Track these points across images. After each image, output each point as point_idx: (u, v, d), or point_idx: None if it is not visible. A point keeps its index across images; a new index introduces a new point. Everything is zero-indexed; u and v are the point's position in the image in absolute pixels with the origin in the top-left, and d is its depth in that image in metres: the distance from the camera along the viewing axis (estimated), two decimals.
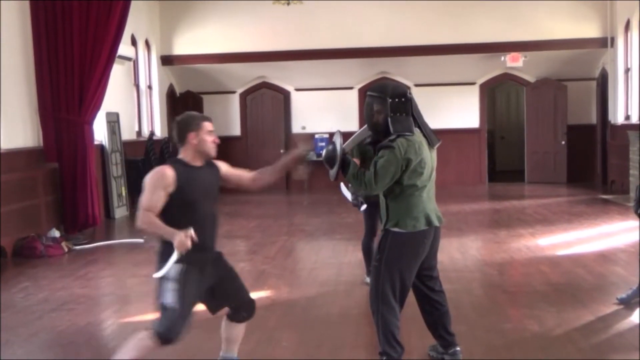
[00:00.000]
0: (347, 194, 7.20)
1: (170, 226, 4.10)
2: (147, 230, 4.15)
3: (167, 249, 4.14)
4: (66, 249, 9.74)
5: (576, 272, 7.63)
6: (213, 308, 4.55)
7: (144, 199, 4.15)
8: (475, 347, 5.21)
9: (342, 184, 7.46)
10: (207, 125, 4.33)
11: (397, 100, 4.45)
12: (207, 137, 4.30)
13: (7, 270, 8.76)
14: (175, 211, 4.17)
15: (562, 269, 7.82)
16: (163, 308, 4.16)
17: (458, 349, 4.84)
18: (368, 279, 7.17)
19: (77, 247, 9.97)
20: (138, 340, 4.20)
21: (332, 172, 4.54)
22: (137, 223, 4.15)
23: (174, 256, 4.06)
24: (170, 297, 4.13)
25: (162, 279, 4.16)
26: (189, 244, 4.00)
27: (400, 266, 4.48)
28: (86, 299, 7.20)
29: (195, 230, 4.08)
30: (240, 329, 4.62)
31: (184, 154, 4.31)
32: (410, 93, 4.55)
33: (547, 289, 7.00)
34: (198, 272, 4.23)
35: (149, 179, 4.18)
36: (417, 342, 5.16)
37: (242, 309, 4.53)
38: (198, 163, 4.31)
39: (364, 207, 7.00)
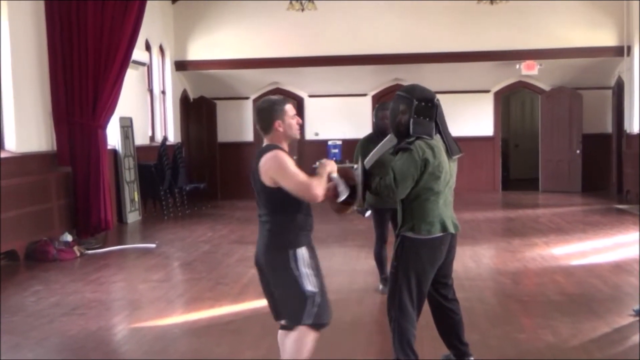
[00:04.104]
0: None
1: (283, 212, 4.09)
2: (323, 194, 4.08)
3: (287, 238, 4.12)
4: (78, 253, 9.74)
5: (591, 283, 7.55)
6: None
7: (293, 175, 3.99)
8: (488, 357, 5.15)
9: None
10: (290, 109, 4.23)
11: (422, 103, 4.44)
12: (292, 120, 4.21)
13: (19, 274, 8.79)
14: (288, 198, 4.05)
15: (576, 279, 7.73)
16: (305, 297, 4.07)
17: (472, 359, 4.78)
18: (381, 287, 7.14)
19: (89, 252, 9.98)
20: (296, 342, 4.13)
21: (358, 200, 4.54)
22: (312, 195, 3.99)
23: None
24: (309, 284, 4.07)
25: (293, 270, 4.07)
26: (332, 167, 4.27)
27: (417, 272, 4.44)
28: (97, 303, 7.19)
29: (309, 214, 4.20)
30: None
31: (275, 141, 4.18)
32: (437, 100, 4.51)
33: (561, 299, 6.93)
34: (315, 255, 4.22)
35: (278, 162, 4.02)
36: (430, 351, 5.10)
37: None
38: (286, 149, 4.24)
39: (368, 213, 6.96)
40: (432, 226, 4.42)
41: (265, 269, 4.20)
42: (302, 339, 4.13)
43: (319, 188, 4.01)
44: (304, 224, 4.18)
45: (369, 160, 4.69)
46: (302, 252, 4.12)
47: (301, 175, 4.01)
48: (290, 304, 4.14)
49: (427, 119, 4.44)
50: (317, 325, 4.14)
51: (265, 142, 4.22)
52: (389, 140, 4.71)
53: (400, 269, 4.45)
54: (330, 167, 4.27)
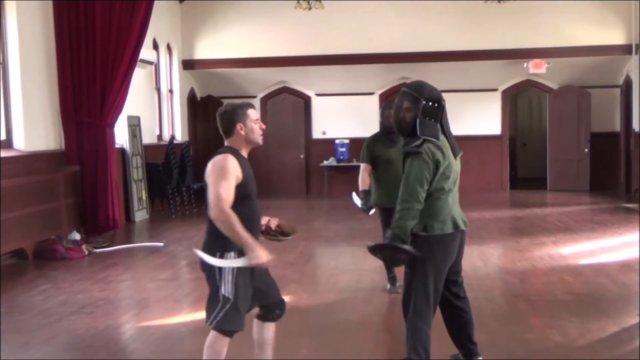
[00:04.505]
0: (357, 201, 7.15)
1: None
2: (221, 226, 3.97)
3: (218, 241, 4.07)
4: (86, 252, 9.76)
5: (599, 282, 7.52)
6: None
7: (221, 187, 3.96)
8: (496, 357, 5.12)
9: (353, 193, 7.43)
10: (253, 113, 4.25)
11: (430, 104, 4.42)
12: (255, 125, 4.22)
13: (27, 272, 8.82)
14: (236, 204, 4.02)
15: (585, 278, 7.71)
16: (217, 300, 4.09)
17: (480, 358, 4.77)
18: (389, 286, 7.14)
19: (97, 250, 10.00)
20: (210, 348, 4.16)
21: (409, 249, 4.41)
22: (214, 213, 3.95)
23: (239, 262, 4.04)
24: (224, 288, 4.07)
25: (216, 272, 4.09)
26: (265, 264, 4.03)
27: (432, 270, 4.42)
28: (105, 302, 7.20)
29: (250, 222, 4.07)
30: (272, 329, 4.51)
31: (233, 144, 4.20)
32: (443, 100, 4.49)
33: (569, 298, 6.91)
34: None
35: (223, 166, 4.02)
36: (438, 351, 5.08)
37: (276, 307, 4.44)
38: (246, 154, 4.24)
39: (372, 211, 6.97)
40: (445, 224, 4.43)
41: (200, 266, 4.23)
42: (213, 344, 4.16)
43: (220, 216, 3.94)
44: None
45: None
46: (230, 257, 4.08)
47: (225, 192, 3.97)
48: (208, 302, 4.19)
49: (433, 120, 4.43)
50: (223, 331, 4.14)
51: (226, 144, 4.23)
52: None
53: (414, 269, 4.44)
54: (259, 258, 4.02)
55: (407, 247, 4.35)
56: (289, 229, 4.53)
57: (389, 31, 16.12)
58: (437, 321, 4.84)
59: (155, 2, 11.36)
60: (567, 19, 15.84)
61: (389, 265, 7.16)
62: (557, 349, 5.37)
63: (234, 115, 4.20)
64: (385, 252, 4.52)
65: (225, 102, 17.61)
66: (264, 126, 4.30)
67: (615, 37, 15.81)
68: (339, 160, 17.34)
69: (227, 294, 4.07)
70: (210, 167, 4.06)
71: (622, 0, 15.60)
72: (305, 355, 5.36)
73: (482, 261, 8.74)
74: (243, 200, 4.08)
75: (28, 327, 6.27)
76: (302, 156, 17.69)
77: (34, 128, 10.09)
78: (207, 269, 4.15)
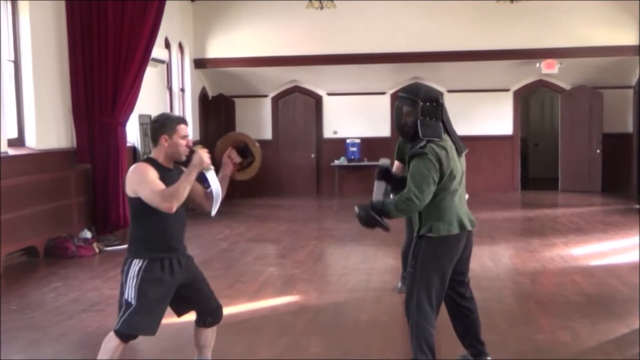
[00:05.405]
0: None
1: (138, 226, 4.22)
2: (180, 199, 4.08)
3: (132, 247, 4.26)
4: (97, 250, 9.81)
5: (610, 283, 7.50)
6: (179, 311, 4.59)
7: (149, 185, 4.05)
8: (505, 357, 5.12)
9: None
10: (182, 129, 4.29)
11: (428, 104, 4.41)
12: (180, 140, 4.27)
13: (38, 270, 8.86)
14: (146, 210, 4.12)
15: (595, 280, 7.68)
16: (122, 303, 4.22)
17: (489, 359, 4.76)
18: (400, 285, 7.14)
19: (108, 248, 10.04)
20: (106, 343, 4.25)
21: (384, 224, 4.45)
22: (166, 205, 4.03)
23: (212, 174, 4.23)
24: (127, 293, 4.18)
25: (123, 275, 4.22)
26: (206, 158, 4.16)
27: (435, 271, 4.42)
28: (116, 300, 7.10)
29: (162, 231, 4.21)
30: (209, 333, 4.64)
31: (156, 155, 4.29)
32: (442, 98, 4.49)
33: (580, 299, 6.88)
34: (160, 270, 4.21)
35: (138, 172, 4.12)
36: (446, 351, 5.09)
37: (208, 315, 4.55)
38: (169, 165, 4.31)
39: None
40: (451, 225, 4.42)
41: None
42: (107, 343, 4.25)
43: (167, 201, 4.03)
44: (156, 240, 4.21)
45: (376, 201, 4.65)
46: (137, 263, 4.18)
47: (155, 185, 4.06)
48: (118, 304, 4.31)
49: (434, 120, 4.42)
50: (121, 334, 4.21)
51: (152, 154, 4.32)
52: (379, 186, 4.76)
53: (418, 268, 4.44)
54: (199, 160, 4.18)
55: (384, 222, 4.42)
56: (242, 142, 4.61)
57: (400, 31, 16.09)
58: (446, 322, 4.85)
59: (168, 1, 11.38)
60: (580, 19, 15.77)
61: (407, 265, 7.12)
62: (566, 350, 5.36)
63: (162, 126, 4.26)
64: (365, 216, 4.46)
65: (237, 101, 17.57)
66: (190, 144, 4.36)
67: (628, 37, 15.72)
68: (349, 160, 17.32)
69: (129, 299, 4.17)
70: (129, 177, 4.16)
71: (635, 0, 15.52)
72: (314, 355, 5.36)
73: (492, 261, 8.72)
74: (154, 215, 4.14)
75: (39, 324, 6.31)
76: (313, 155, 17.69)
77: (45, 126, 10.13)
78: (123, 272, 4.26)
